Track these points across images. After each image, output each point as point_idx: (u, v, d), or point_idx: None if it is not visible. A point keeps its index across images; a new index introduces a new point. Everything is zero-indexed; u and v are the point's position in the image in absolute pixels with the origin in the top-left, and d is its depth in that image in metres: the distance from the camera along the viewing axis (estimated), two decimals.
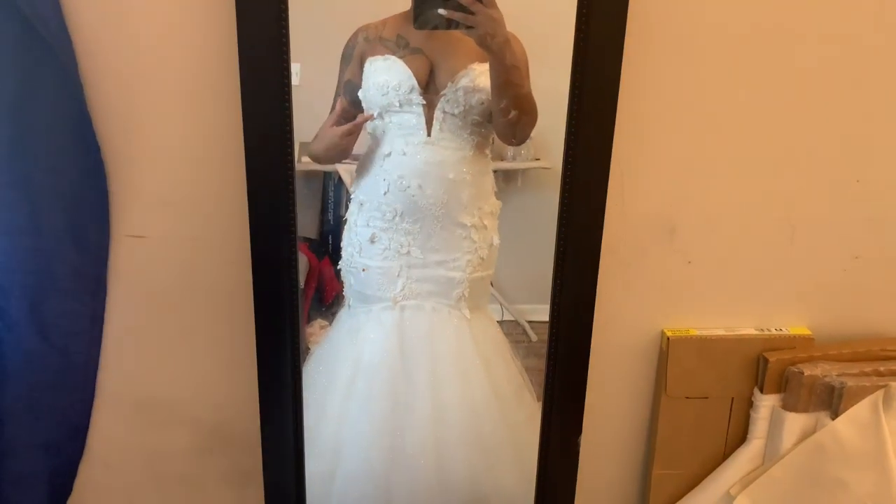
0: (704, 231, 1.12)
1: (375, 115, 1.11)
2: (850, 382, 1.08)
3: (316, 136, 1.12)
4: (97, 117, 1.02)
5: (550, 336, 1.11)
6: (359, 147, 1.15)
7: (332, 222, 1.23)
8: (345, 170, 1.19)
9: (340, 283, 1.21)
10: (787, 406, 1.13)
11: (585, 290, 1.09)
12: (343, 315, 1.23)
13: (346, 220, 1.19)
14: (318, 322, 1.26)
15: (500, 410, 1.24)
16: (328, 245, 1.23)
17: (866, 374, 1.10)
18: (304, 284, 1.22)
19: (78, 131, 1.00)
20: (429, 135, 1.10)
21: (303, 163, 1.14)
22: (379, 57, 1.08)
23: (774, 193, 1.11)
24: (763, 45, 1.03)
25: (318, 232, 1.24)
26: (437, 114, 1.09)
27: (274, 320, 1.08)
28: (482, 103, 1.09)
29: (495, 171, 1.18)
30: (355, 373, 1.21)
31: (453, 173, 1.12)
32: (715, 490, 1.19)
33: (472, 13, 0.97)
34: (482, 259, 1.18)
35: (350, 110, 1.11)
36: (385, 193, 1.13)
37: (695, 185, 1.10)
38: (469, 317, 1.19)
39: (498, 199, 1.18)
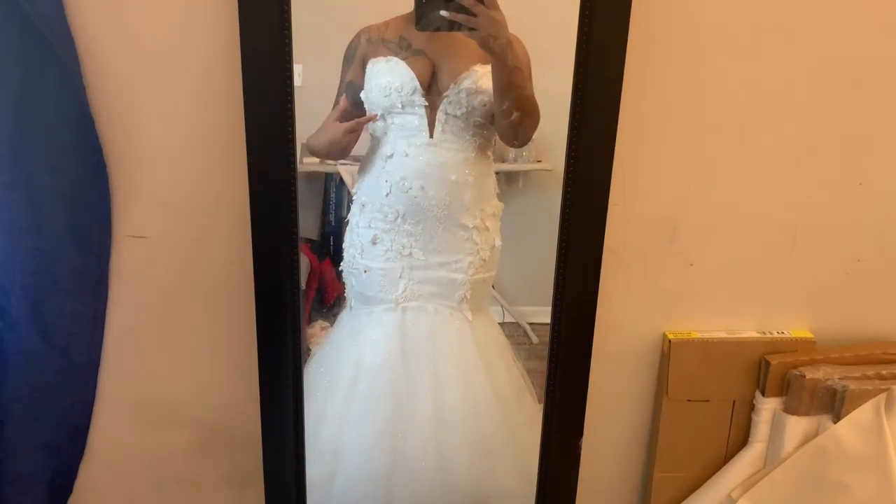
0: (706, 233, 1.12)
1: (377, 116, 1.11)
2: (853, 386, 1.08)
3: (318, 130, 1.12)
4: (99, 118, 1.02)
5: (552, 338, 1.11)
6: (360, 148, 1.15)
7: (333, 223, 1.23)
8: (346, 171, 1.19)
9: (342, 285, 1.21)
10: (789, 409, 1.13)
11: (587, 291, 1.09)
12: (344, 316, 1.23)
13: (347, 221, 1.19)
14: (319, 323, 1.26)
15: (502, 412, 1.24)
16: (329, 246, 1.23)
17: (868, 378, 1.10)
18: (306, 285, 1.22)
19: (80, 132, 1.00)
20: (431, 136, 1.10)
21: (304, 164, 1.14)
22: (381, 58, 1.08)
23: (776, 196, 1.11)
24: (765, 47, 1.03)
25: (320, 233, 1.24)
26: (440, 115, 1.09)
27: (275, 321, 1.08)
28: (484, 105, 1.09)
29: (497, 173, 1.18)
30: (357, 374, 1.21)
31: (455, 175, 1.12)
32: (716, 493, 1.19)
33: (474, 15, 0.97)
34: (484, 261, 1.17)
35: (352, 110, 1.11)
36: (387, 195, 1.13)
37: (697, 187, 1.10)
38: (471, 318, 1.19)
39: (500, 200, 1.18)
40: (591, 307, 1.10)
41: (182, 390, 1.19)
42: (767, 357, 1.13)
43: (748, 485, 1.17)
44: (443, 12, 0.98)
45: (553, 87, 1.04)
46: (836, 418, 1.10)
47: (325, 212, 1.24)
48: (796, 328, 1.17)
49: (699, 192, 1.10)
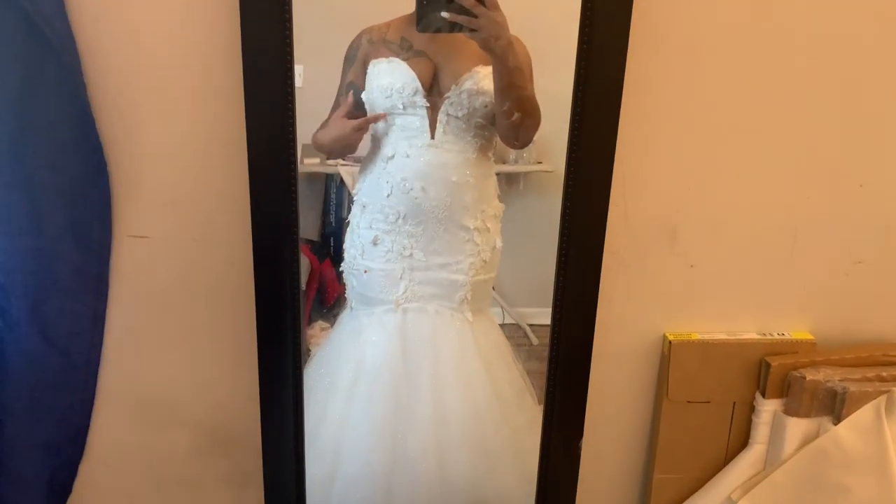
0: (707, 235, 1.12)
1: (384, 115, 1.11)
2: (853, 387, 1.08)
3: (323, 126, 1.12)
4: (100, 116, 1.02)
5: (552, 339, 1.11)
6: (360, 149, 1.15)
7: (333, 224, 1.23)
8: (347, 172, 1.19)
9: (342, 285, 1.21)
10: (789, 411, 1.12)
11: (587, 293, 1.09)
12: (345, 317, 1.23)
13: (348, 222, 1.19)
14: (319, 324, 1.26)
15: (502, 413, 1.24)
16: (330, 247, 1.23)
17: (869, 380, 1.10)
18: (306, 286, 1.22)
19: (80, 130, 1.00)
20: (432, 137, 1.10)
21: (305, 164, 1.14)
22: (383, 59, 1.08)
23: (777, 197, 1.11)
24: (766, 48, 1.03)
25: (320, 234, 1.24)
26: (441, 116, 1.09)
27: (275, 321, 1.08)
28: (486, 106, 1.08)
29: (497, 175, 1.17)
30: (357, 375, 1.21)
31: (456, 176, 1.12)
32: (716, 495, 1.19)
33: (475, 16, 0.97)
34: (485, 262, 1.17)
35: (354, 111, 1.11)
36: (388, 196, 1.13)
37: (697, 188, 1.10)
38: (471, 320, 1.19)
39: (501, 201, 1.18)
40: (591, 308, 1.10)
41: (182, 390, 1.19)
42: (768, 358, 1.13)
43: (748, 486, 1.17)
44: (444, 13, 0.98)
45: (554, 88, 1.04)
46: (837, 420, 1.10)
47: (325, 212, 1.23)
48: (797, 330, 1.17)
49: (700, 193, 1.10)
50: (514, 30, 1.00)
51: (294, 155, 1.00)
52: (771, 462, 1.16)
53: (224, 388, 1.19)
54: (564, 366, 1.13)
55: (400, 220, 1.13)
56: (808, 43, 1.03)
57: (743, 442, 1.19)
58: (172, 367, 1.17)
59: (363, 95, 1.10)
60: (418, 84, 1.08)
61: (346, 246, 1.19)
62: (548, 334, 1.12)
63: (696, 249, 1.13)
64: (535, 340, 1.27)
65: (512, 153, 1.20)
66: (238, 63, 0.95)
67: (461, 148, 1.11)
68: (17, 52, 0.95)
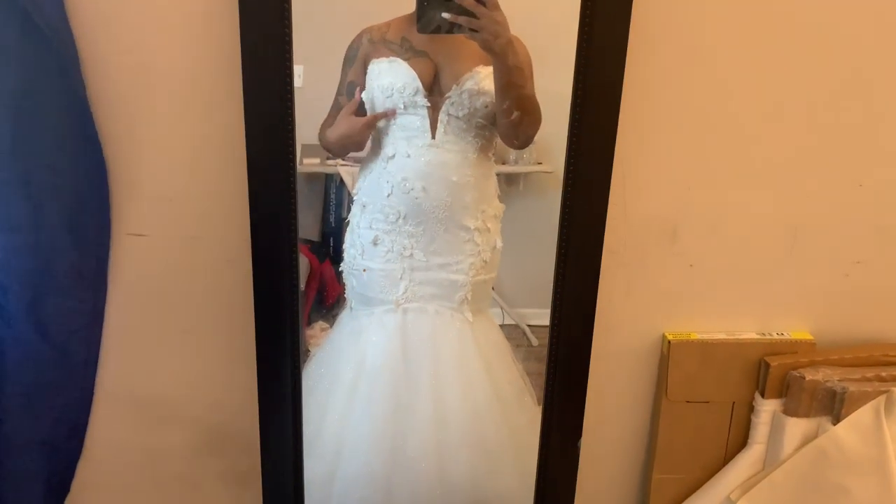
0: (706, 234, 1.12)
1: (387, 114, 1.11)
2: (852, 387, 1.08)
3: (326, 125, 1.11)
4: (98, 115, 1.02)
5: (551, 338, 1.11)
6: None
7: (333, 224, 1.23)
8: (346, 171, 1.19)
9: (342, 285, 1.21)
10: (789, 411, 1.12)
11: (586, 292, 1.09)
12: (344, 317, 1.23)
13: (348, 222, 1.18)
14: (319, 324, 1.26)
15: (502, 414, 1.24)
16: (329, 247, 1.23)
17: (868, 380, 1.10)
18: (306, 286, 1.22)
19: (79, 129, 1.00)
20: (433, 137, 1.10)
21: (305, 164, 1.14)
22: (383, 59, 1.08)
23: (776, 197, 1.11)
24: (765, 48, 1.03)
25: (320, 234, 1.24)
26: (442, 116, 1.09)
27: (274, 320, 1.08)
28: (487, 106, 1.08)
29: (497, 175, 1.17)
30: (358, 375, 1.21)
31: (457, 176, 1.12)
32: (715, 495, 1.19)
33: (475, 17, 0.97)
34: (485, 262, 1.17)
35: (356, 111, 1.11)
36: (388, 196, 1.12)
37: (697, 188, 1.10)
38: (471, 320, 1.19)
39: (501, 202, 1.18)
40: (590, 307, 1.10)
41: (181, 388, 1.19)
42: (767, 358, 1.13)
43: (747, 486, 1.17)
44: (444, 14, 0.97)
45: (554, 88, 1.04)
46: (836, 420, 1.10)
47: (325, 212, 1.23)
48: (796, 330, 1.17)
49: (699, 192, 1.10)
50: (514, 30, 1.00)
51: (293, 154, 1.00)
52: (770, 462, 1.16)
53: (222, 387, 1.19)
54: (563, 365, 1.12)
55: (400, 220, 1.13)
56: (808, 42, 1.03)
57: (742, 442, 1.19)
58: (171, 365, 1.17)
59: (363, 95, 1.10)
60: (419, 84, 1.08)
61: (345, 246, 1.19)
62: (547, 335, 1.12)
63: (696, 249, 1.13)
64: (534, 341, 1.26)
65: (512, 154, 1.20)
66: (237, 62, 0.95)
67: (462, 148, 1.11)
68: (15, 50, 0.95)
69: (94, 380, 1.16)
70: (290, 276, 1.06)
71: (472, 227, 1.15)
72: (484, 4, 0.97)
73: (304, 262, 1.18)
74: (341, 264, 1.20)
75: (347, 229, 1.18)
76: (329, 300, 1.26)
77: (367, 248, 1.16)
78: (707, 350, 1.15)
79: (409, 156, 1.11)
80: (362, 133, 1.11)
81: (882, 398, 1.08)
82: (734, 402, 1.18)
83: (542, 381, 1.15)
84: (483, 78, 1.07)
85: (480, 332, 1.21)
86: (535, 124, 1.08)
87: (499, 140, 1.12)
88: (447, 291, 1.17)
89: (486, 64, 1.05)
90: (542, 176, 1.20)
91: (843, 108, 1.07)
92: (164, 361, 1.17)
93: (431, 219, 1.13)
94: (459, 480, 1.22)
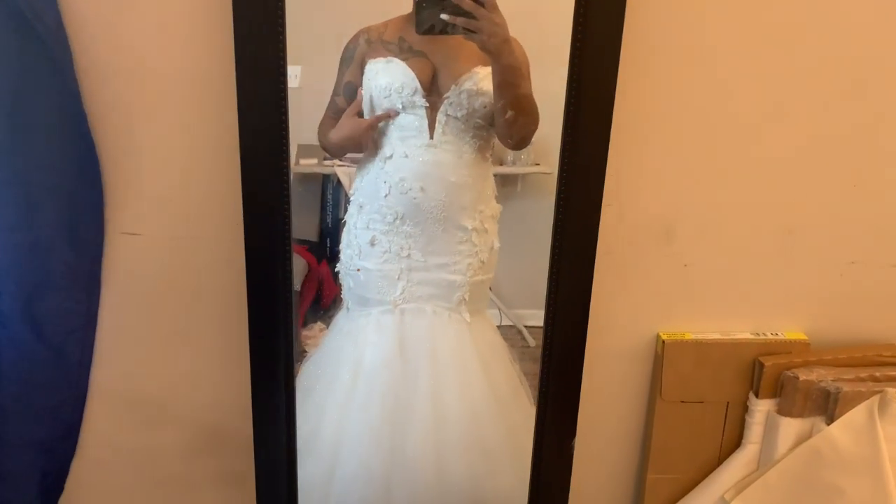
0: (701, 234, 1.12)
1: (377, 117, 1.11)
2: (846, 388, 1.08)
3: (326, 125, 1.11)
4: (93, 114, 1.01)
5: (545, 338, 1.11)
6: None
7: (330, 225, 1.23)
8: (343, 172, 1.19)
9: (339, 286, 1.21)
10: (783, 411, 1.13)
11: (581, 292, 1.09)
12: (341, 318, 1.22)
13: (345, 222, 1.18)
14: (318, 325, 1.26)
15: (500, 414, 1.24)
16: (327, 248, 1.23)
17: (862, 380, 1.10)
18: (304, 287, 1.22)
19: (73, 128, 1.00)
20: (431, 137, 1.10)
21: (301, 165, 1.14)
22: (381, 59, 1.08)
23: (771, 197, 1.11)
24: (760, 49, 1.03)
25: (318, 234, 1.24)
26: (440, 117, 1.09)
27: (268, 320, 1.08)
28: (485, 107, 1.08)
29: (494, 176, 1.17)
30: (356, 375, 1.20)
31: (455, 176, 1.12)
32: (709, 495, 1.19)
33: (474, 18, 0.97)
34: (483, 262, 1.17)
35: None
36: (386, 196, 1.12)
37: (691, 188, 1.10)
38: (469, 320, 1.19)
39: (498, 202, 1.18)
40: (584, 307, 1.10)
41: (175, 388, 1.19)
42: (761, 358, 1.14)
43: (741, 486, 1.17)
44: (443, 15, 0.97)
45: (552, 89, 1.04)
46: (830, 420, 1.10)
47: (322, 213, 1.23)
48: (790, 330, 1.17)
49: (694, 193, 1.10)
50: (512, 31, 1.00)
51: (286, 153, 1.00)
52: (764, 462, 1.16)
53: (216, 387, 1.18)
54: (557, 365, 1.12)
55: (398, 221, 1.13)
56: (803, 43, 1.04)
57: (736, 442, 1.19)
58: (165, 365, 1.17)
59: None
60: (417, 84, 1.08)
61: (342, 246, 1.19)
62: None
63: (690, 249, 1.13)
64: (531, 342, 1.26)
65: (510, 155, 1.20)
66: (231, 61, 0.95)
67: (460, 148, 1.11)
68: (9, 50, 0.95)
69: (88, 379, 1.16)
70: (284, 276, 1.06)
71: (470, 228, 1.15)
72: (482, 5, 0.97)
73: (302, 263, 1.18)
74: (337, 265, 1.19)
75: (344, 230, 1.18)
76: (327, 301, 1.26)
77: (364, 249, 1.16)
78: (701, 350, 1.15)
79: (406, 156, 1.11)
80: (365, 134, 1.11)
81: (876, 398, 1.08)
82: (728, 402, 1.18)
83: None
84: (482, 78, 1.07)
85: (478, 332, 1.21)
86: (532, 125, 1.08)
87: (497, 141, 1.12)
88: (445, 292, 1.17)
89: (485, 64, 1.05)
90: (540, 177, 1.20)
91: (837, 109, 1.07)
92: (158, 361, 1.17)
93: (429, 219, 1.13)
94: (457, 480, 1.22)
